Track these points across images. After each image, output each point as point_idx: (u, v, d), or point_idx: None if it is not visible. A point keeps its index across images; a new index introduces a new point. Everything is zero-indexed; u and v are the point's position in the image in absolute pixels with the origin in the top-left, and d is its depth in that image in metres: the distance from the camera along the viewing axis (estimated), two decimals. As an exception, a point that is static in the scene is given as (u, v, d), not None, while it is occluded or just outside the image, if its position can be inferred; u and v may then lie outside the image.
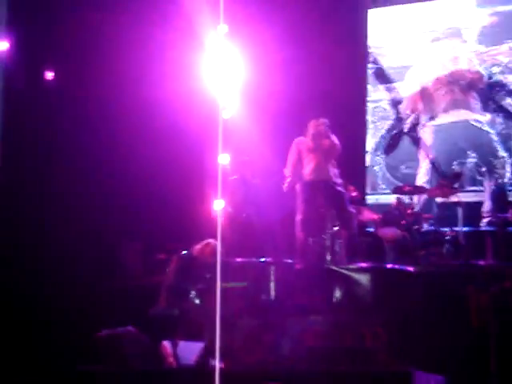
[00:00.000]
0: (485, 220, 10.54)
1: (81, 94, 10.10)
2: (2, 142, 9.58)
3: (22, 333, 8.94)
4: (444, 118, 11.65)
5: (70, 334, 8.72)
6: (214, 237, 7.67)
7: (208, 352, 7.33)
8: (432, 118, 11.67)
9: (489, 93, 11.45)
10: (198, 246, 8.07)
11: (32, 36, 10.03)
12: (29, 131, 9.92)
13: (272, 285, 7.37)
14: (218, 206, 9.61)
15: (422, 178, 11.46)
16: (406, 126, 11.83)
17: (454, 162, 11.28)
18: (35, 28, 10.07)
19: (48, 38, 10.10)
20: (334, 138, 8.77)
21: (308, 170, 8.69)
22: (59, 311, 8.99)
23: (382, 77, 12.00)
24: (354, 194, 9.64)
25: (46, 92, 10.25)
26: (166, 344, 7.69)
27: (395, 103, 11.95)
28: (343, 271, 7.55)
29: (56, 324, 8.95)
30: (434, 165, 11.45)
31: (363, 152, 11.79)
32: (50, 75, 10.40)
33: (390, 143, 11.83)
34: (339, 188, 8.74)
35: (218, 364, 4.80)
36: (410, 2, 12.00)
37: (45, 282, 9.25)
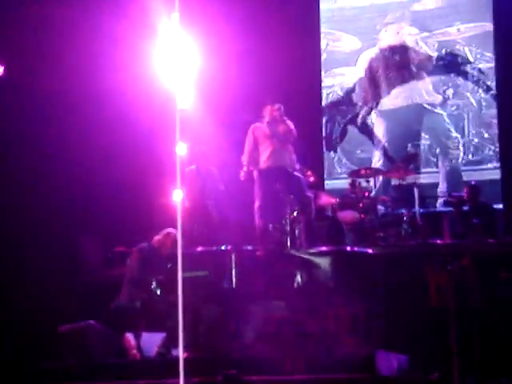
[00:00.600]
0: (440, 200, 10.69)
1: (32, 87, 9.94)
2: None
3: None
4: (396, 102, 11.76)
5: (31, 330, 8.64)
6: (174, 227, 7.70)
7: (169, 342, 7.34)
8: (383, 103, 11.77)
9: (439, 74, 11.59)
10: (158, 237, 8.04)
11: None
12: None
13: (233, 272, 7.36)
14: (177, 196, 9.58)
15: (378, 161, 11.57)
16: (359, 111, 11.92)
17: (409, 145, 11.40)
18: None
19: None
20: (290, 123, 8.79)
21: (264, 156, 8.69)
22: (20, 308, 8.89)
23: (335, 62, 12.07)
24: (311, 178, 9.69)
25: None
26: (129, 336, 7.67)
27: (348, 89, 12.02)
28: (303, 256, 7.57)
29: (17, 321, 8.85)
30: (387, 148, 11.57)
31: (320, 138, 11.85)
32: (-1, 69, 10.21)
33: (344, 128, 11.91)
34: (296, 173, 8.77)
35: (181, 353, 4.79)
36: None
37: (5, 279, 9.13)
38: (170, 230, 7.85)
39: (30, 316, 8.73)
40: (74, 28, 9.91)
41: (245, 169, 8.78)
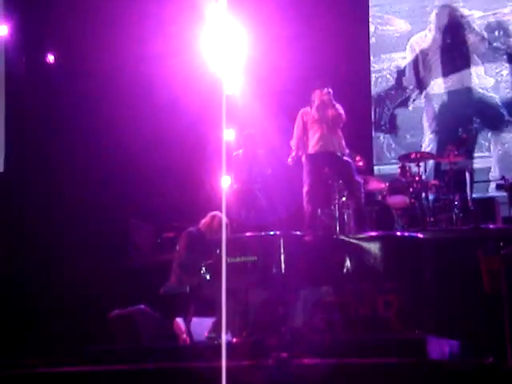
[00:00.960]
0: (493, 185, 10.50)
1: (82, 74, 10.06)
2: (6, 127, 9.56)
3: (37, 314, 8.97)
4: (447, 85, 11.57)
5: (83, 314, 8.75)
6: (221, 212, 7.70)
7: (219, 327, 7.36)
8: (433, 86, 11.59)
9: (491, 57, 11.36)
10: (204, 220, 8.03)
11: (30, 19, 9.98)
12: (31, 114, 9.89)
13: (282, 258, 7.32)
14: (224, 182, 9.62)
15: (428, 145, 11.41)
16: (409, 95, 11.77)
17: (460, 129, 11.21)
18: (33, 10, 10.01)
19: (46, 20, 10.06)
20: (339, 107, 8.71)
21: (313, 141, 8.63)
22: (73, 293, 9.02)
23: (384, 46, 11.92)
24: (360, 163, 9.59)
25: (47, 75, 10.22)
26: (179, 321, 7.71)
27: (398, 73, 11.87)
28: (353, 241, 7.50)
29: (69, 305, 8.98)
30: (437, 132, 11.40)
31: (369, 122, 11.73)
32: (50, 58, 10.35)
33: (394, 113, 11.77)
34: (345, 158, 8.69)
35: (224, 338, 4.79)
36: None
37: (58, 264, 9.27)
38: (215, 213, 7.84)
39: (82, 301, 8.85)
40: (123, 16, 9.98)
41: (293, 154, 8.73)
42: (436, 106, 11.60)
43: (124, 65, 10.06)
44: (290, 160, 8.74)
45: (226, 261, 7.08)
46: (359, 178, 8.83)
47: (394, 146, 11.66)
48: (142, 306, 7.68)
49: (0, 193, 9.58)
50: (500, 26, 11.34)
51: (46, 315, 9.09)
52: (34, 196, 9.72)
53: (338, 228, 8.15)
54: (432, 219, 9.24)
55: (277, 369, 5.32)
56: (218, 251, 7.39)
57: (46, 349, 8.06)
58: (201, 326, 7.60)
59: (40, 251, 9.44)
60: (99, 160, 10.09)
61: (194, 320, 7.67)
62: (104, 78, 10.07)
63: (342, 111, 8.70)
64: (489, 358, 5.57)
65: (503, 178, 9.79)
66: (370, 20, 11.91)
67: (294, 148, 8.74)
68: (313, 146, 8.63)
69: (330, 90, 8.75)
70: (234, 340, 6.71)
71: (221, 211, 7.07)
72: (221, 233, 7.61)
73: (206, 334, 7.42)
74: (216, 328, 7.42)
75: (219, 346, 5.52)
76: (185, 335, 7.54)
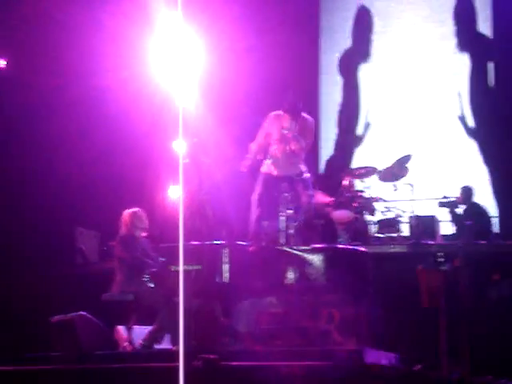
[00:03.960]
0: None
1: (31, 81, 10.00)
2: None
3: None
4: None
5: (24, 321, 8.68)
6: (173, 222, 7.76)
7: (158, 334, 7.39)
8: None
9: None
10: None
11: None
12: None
13: (226, 267, 7.38)
14: (175, 192, 9.63)
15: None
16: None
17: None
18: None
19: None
20: (308, 119, 8.43)
21: (270, 160, 8.37)
22: (14, 298, 8.94)
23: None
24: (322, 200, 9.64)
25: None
26: (121, 329, 7.71)
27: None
28: (296, 252, 7.59)
29: (12, 309, 8.90)
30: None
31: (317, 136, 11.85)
32: (1, 62, 10.28)
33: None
34: (302, 177, 8.50)
35: (182, 347, 4.83)
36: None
37: (3, 267, 9.19)
38: (134, 210, 7.95)
39: (25, 305, 8.79)
40: (73, 25, 9.96)
41: (249, 156, 8.42)
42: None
43: (75, 74, 10.04)
44: (243, 167, 8.47)
45: (171, 269, 7.19)
46: (311, 192, 8.72)
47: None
48: (83, 313, 7.66)
49: None
50: None
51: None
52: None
53: (283, 240, 8.22)
54: (375, 234, 9.40)
55: (206, 369, 5.41)
56: (161, 259, 7.44)
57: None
58: (142, 335, 7.60)
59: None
60: (48, 169, 10.04)
61: (136, 328, 7.68)
62: (54, 86, 10.03)
63: (302, 144, 8.29)
64: (417, 365, 5.74)
65: (444, 196, 10.02)
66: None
67: (252, 150, 8.46)
68: (269, 164, 8.40)
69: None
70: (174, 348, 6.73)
71: (173, 222, 7.12)
72: (129, 230, 7.72)
73: (140, 342, 7.42)
74: (151, 336, 7.44)
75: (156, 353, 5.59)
76: (126, 343, 7.54)
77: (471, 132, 11.34)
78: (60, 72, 9.99)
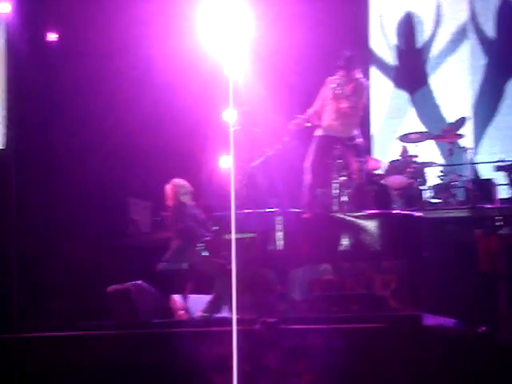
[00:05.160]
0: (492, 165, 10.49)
1: (81, 54, 10.06)
2: (7, 104, 9.58)
3: (36, 288, 9.01)
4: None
5: (82, 289, 8.80)
6: (223, 191, 7.72)
7: (217, 303, 7.39)
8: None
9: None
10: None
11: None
12: (31, 93, 9.90)
13: (280, 234, 7.32)
14: (226, 161, 9.61)
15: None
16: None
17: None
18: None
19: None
20: (355, 98, 8.08)
21: (326, 121, 8.15)
22: (71, 268, 9.07)
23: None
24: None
25: (48, 53, 10.22)
26: (176, 297, 7.75)
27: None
28: (350, 219, 7.49)
29: (68, 281, 9.03)
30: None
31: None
32: (52, 36, 10.35)
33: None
34: (354, 142, 8.36)
35: (235, 315, 4.83)
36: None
37: (57, 239, 9.32)
38: (173, 180, 7.96)
39: (81, 275, 8.91)
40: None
41: (301, 119, 8.16)
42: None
43: (124, 46, 10.04)
44: (292, 125, 8.21)
45: (225, 238, 7.17)
46: (362, 158, 8.59)
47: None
48: (140, 282, 7.73)
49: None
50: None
51: (44, 289, 9.14)
52: (34, 172, 9.74)
53: (336, 207, 8.13)
54: (430, 199, 9.24)
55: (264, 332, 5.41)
56: (214, 228, 7.42)
57: (44, 323, 8.09)
58: (198, 303, 7.63)
59: (39, 225, 9.48)
60: (99, 139, 10.11)
61: (191, 297, 7.72)
62: (105, 56, 10.07)
63: (355, 104, 8.06)
64: (482, 328, 5.63)
65: (502, 159, 9.79)
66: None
67: (307, 114, 8.22)
68: (324, 126, 8.24)
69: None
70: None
71: (224, 190, 7.08)
72: (174, 200, 7.75)
73: (199, 313, 7.44)
74: (210, 306, 7.45)
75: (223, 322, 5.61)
76: (181, 311, 7.58)
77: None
78: (109, 41, 10.01)
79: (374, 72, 11.80)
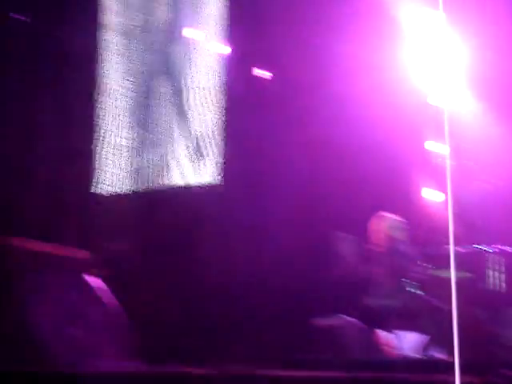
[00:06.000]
0: None
1: (295, 91, 10.21)
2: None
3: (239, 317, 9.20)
4: None
5: (284, 322, 8.89)
6: (431, 226, 7.56)
7: (431, 344, 7.23)
8: None
9: None
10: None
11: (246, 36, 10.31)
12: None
13: (497, 274, 7.07)
14: (438, 195, 9.39)
15: None
16: None
17: None
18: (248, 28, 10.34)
19: (258, 34, 10.33)
20: None
21: None
22: (273, 300, 9.20)
23: None
24: None
25: (261, 92, 10.48)
26: (382, 333, 7.66)
27: None
28: None
29: (269, 312, 9.16)
30: None
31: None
32: (262, 73, 10.61)
33: None
34: None
35: (457, 358, 4.68)
36: None
37: (261, 267, 9.50)
38: (383, 214, 7.86)
39: (284, 308, 8.99)
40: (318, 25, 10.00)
41: None
42: None
43: (323, 80, 10.11)
44: None
45: (438, 275, 7.03)
46: None
47: None
48: (345, 316, 7.71)
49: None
50: None
51: (246, 318, 9.32)
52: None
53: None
54: None
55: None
56: (429, 266, 7.29)
57: (249, 355, 8.25)
58: (402, 341, 7.50)
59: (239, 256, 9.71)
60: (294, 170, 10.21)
61: (398, 333, 7.60)
62: (307, 89, 10.19)
63: None
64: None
65: None
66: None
67: None
68: None
69: None
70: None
71: (432, 225, 6.93)
72: (383, 234, 7.61)
73: (419, 352, 7.31)
74: (421, 346, 7.30)
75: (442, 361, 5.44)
76: (387, 347, 7.48)
77: None
78: (311, 73, 10.12)
79: None
